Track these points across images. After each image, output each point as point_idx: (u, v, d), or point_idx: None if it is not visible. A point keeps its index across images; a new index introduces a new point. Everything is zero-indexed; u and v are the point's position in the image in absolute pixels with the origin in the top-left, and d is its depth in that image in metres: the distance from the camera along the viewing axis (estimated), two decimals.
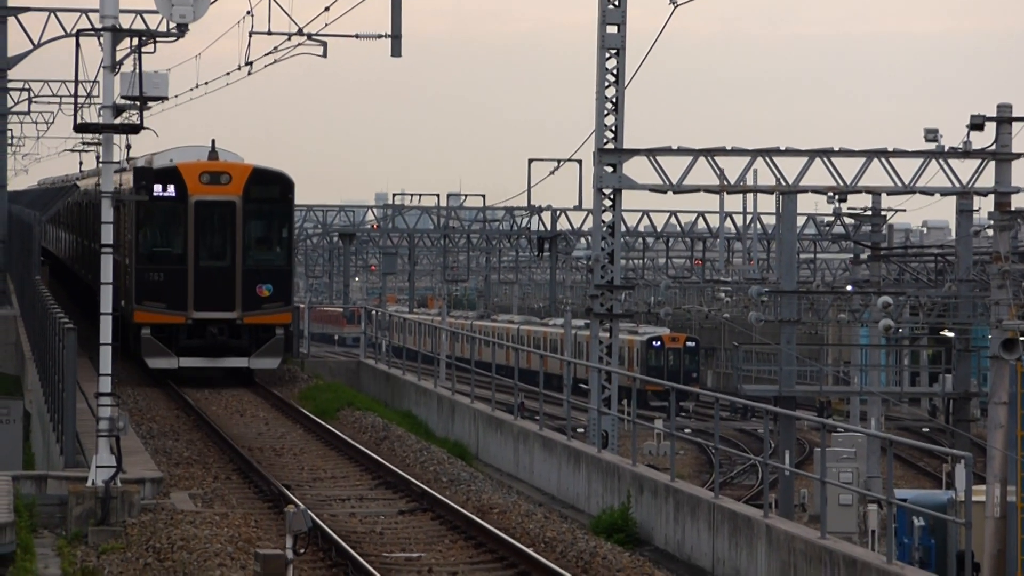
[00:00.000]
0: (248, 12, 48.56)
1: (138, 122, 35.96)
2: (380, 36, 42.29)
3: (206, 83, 71.63)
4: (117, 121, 34.02)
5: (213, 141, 57.90)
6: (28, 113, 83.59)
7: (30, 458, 41.53)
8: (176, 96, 68.54)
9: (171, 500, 33.06)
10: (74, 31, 53.84)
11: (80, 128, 38.42)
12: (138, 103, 35.47)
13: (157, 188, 53.77)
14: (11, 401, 44.64)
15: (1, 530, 28.04)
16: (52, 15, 55.74)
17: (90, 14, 46.31)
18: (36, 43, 54.74)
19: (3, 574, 27.23)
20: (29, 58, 56.27)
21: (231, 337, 56.36)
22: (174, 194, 55.56)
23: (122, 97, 34.35)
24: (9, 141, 73.96)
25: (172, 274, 56.22)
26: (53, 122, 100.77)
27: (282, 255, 59.10)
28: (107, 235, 33.51)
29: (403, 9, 40.35)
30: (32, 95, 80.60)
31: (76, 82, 48.19)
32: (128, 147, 61.68)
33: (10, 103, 69.26)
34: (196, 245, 56.11)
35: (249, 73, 61.47)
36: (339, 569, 27.98)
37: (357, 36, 45.90)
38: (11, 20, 54.70)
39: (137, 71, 35.49)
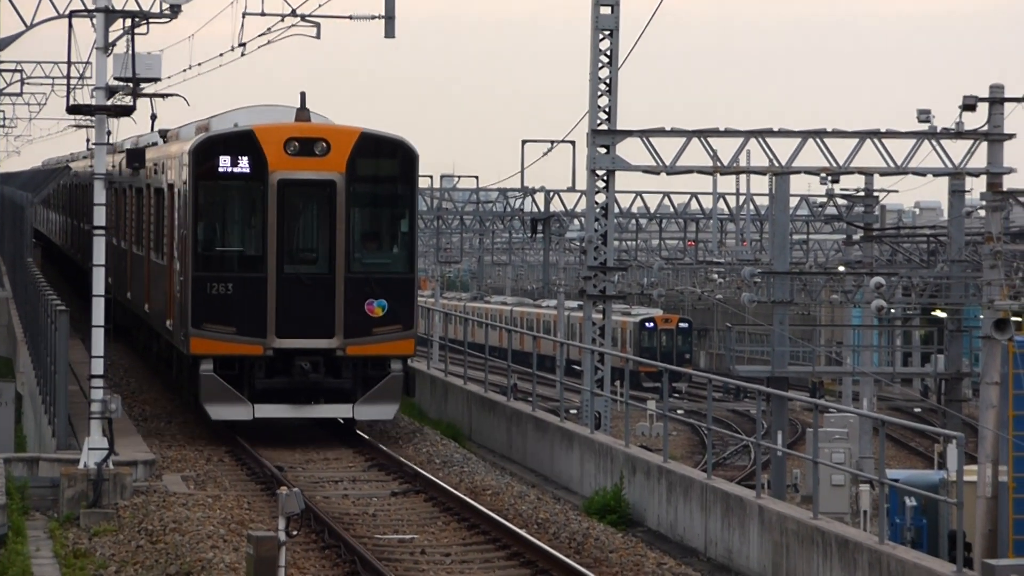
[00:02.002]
0: None
1: (130, 104, 35.97)
2: (374, 17, 41.96)
3: (199, 64, 58.82)
4: (110, 103, 33.96)
5: (303, 94, 38.11)
6: (20, 95, 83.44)
7: (22, 440, 41.46)
8: (169, 77, 58.67)
9: (163, 482, 33.02)
10: (67, 12, 53.57)
11: (73, 109, 38.23)
12: (131, 84, 35.44)
13: (223, 162, 35.90)
14: (2, 383, 44.62)
15: None
16: None
17: None
18: (28, 24, 54.44)
19: None
20: (21, 39, 56.06)
21: (328, 375, 36.80)
22: (248, 170, 36.45)
23: (115, 78, 34.30)
24: (1, 123, 73.70)
25: (244, 285, 36.50)
26: (46, 103, 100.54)
27: (401, 258, 38.37)
28: (99, 217, 33.45)
29: None
30: (24, 76, 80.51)
31: (69, 63, 48.07)
32: (153, 117, 43.45)
33: (2, 84, 69.05)
34: (279, 243, 36.54)
35: (243, 54, 49.64)
36: (332, 551, 27.66)
37: (351, 17, 45.13)
38: (3, 1, 54.49)
39: (130, 52, 35.45)
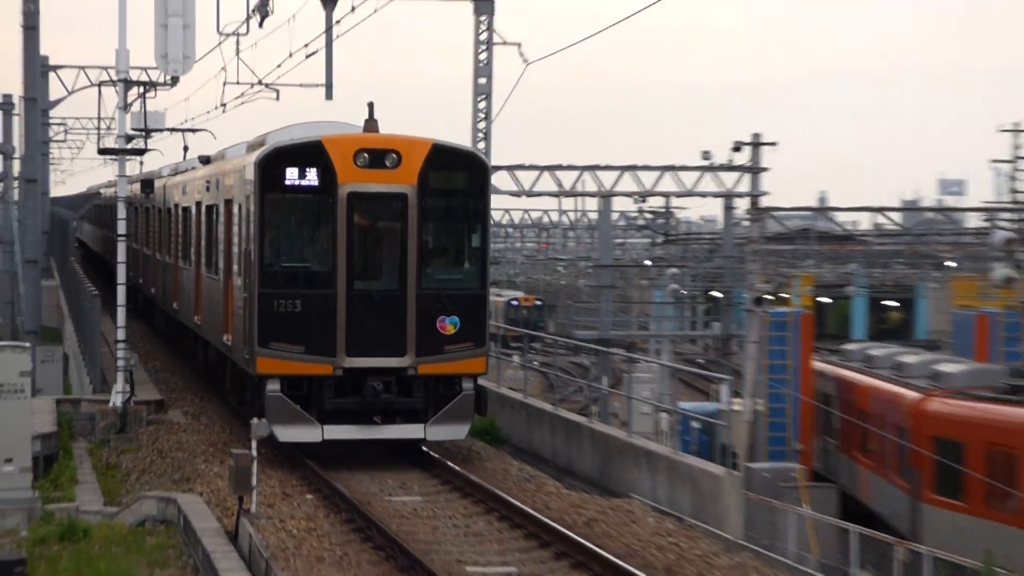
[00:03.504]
0: (222, 68, 45.86)
1: (143, 147, 35.90)
2: (318, 85, 41.54)
3: (192, 119, 57.81)
4: (128, 146, 33.86)
5: (371, 104, 28.31)
6: (64, 141, 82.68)
7: (68, 387, 41.20)
8: (171, 130, 60.01)
9: (169, 416, 32.94)
10: (98, 82, 53.21)
11: (102, 151, 38.33)
12: (143, 133, 35.38)
13: (290, 174, 26.65)
14: (54, 347, 44.31)
15: (48, 438, 27.93)
16: (82, 71, 55.14)
17: (109, 70, 45.88)
18: (70, 91, 53.99)
19: (50, 469, 27.11)
20: (65, 102, 55.61)
21: (400, 394, 27.44)
22: (316, 182, 27.06)
23: (132, 129, 34.18)
24: (51, 161, 73.00)
25: (313, 302, 26.96)
26: (83, 147, 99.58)
27: (473, 273, 28.48)
28: (121, 227, 33.45)
29: (334, 65, 39.95)
30: (67, 128, 79.99)
31: (99, 118, 48.09)
32: (186, 148, 45.28)
33: (51, 134, 68.24)
34: (349, 259, 27.03)
35: (223, 112, 45.34)
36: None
37: (301, 85, 44.82)
38: (52, 75, 54.04)
39: (143, 110, 35.37)
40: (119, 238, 33.45)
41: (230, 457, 22.80)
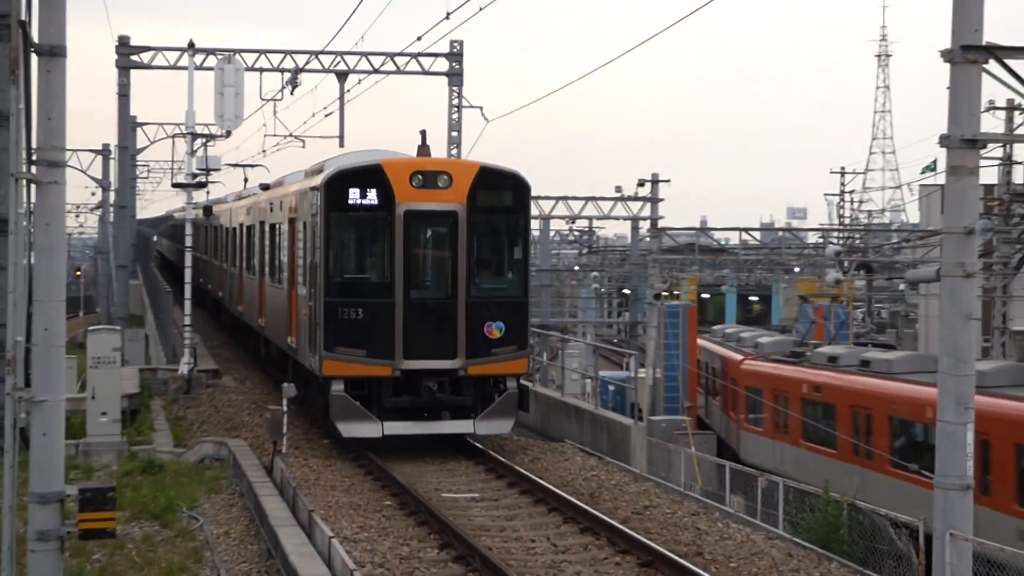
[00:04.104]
0: (263, 124, 45.99)
1: (204, 181, 35.72)
2: (333, 136, 41.29)
3: (242, 162, 58.60)
4: (194, 180, 33.64)
5: (423, 132, 24.92)
6: (147, 177, 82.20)
7: (148, 359, 40.95)
8: (232, 165, 59.02)
9: (222, 381, 32.74)
10: (172, 135, 52.92)
11: (175, 185, 38.04)
12: (205, 172, 35.14)
13: (352, 194, 23.44)
14: (138, 329, 44.06)
15: (133, 397, 27.71)
16: (160, 126, 54.78)
17: (180, 125, 45.76)
18: (151, 141, 53.60)
19: (134, 420, 26.90)
20: (148, 149, 55.22)
21: (452, 393, 23.90)
22: (376, 202, 23.76)
23: (197, 169, 33.94)
24: (137, 192, 72.66)
25: (374, 310, 23.40)
26: (160, 182, 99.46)
27: (516, 283, 24.79)
28: (188, 241, 33.23)
29: (345, 122, 39.89)
30: (149, 168, 79.71)
31: (172, 161, 47.43)
32: (246, 180, 44.23)
33: (137, 172, 67.93)
34: (406, 271, 23.57)
35: (264, 156, 48.66)
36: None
37: (321, 137, 44.55)
38: (139, 129, 53.77)
39: (204, 155, 35.13)
40: (186, 249, 33.21)
41: (267, 411, 22.74)
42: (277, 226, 28.41)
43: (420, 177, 22.87)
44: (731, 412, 38.43)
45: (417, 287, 22.84)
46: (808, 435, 31.73)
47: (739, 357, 38.47)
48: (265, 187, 32.49)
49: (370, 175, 22.73)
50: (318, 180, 23.17)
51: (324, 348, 22.27)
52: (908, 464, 26.36)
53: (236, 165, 44.71)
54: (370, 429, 22.22)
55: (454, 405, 22.94)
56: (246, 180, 43.42)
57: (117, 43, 38.82)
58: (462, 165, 24.29)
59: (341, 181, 22.67)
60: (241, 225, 35.74)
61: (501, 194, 23.56)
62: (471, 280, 22.90)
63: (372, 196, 22.71)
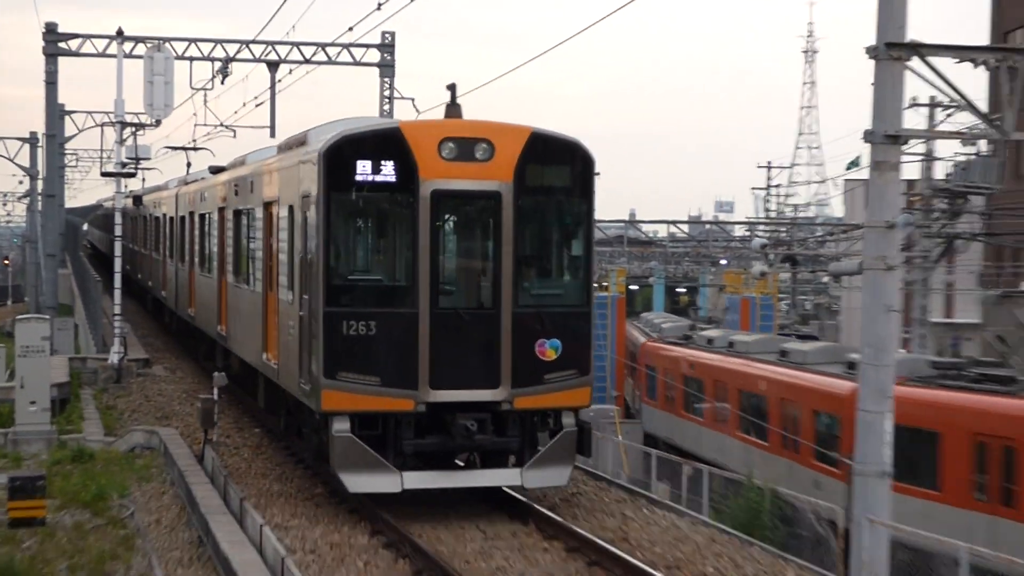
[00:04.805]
0: (193, 113, 45.59)
1: (134, 170, 35.44)
2: (264, 127, 40.72)
3: (184, 146, 54.81)
4: (124, 170, 33.35)
5: (453, 87, 17.19)
6: (76, 166, 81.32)
7: (78, 348, 40.47)
8: (155, 160, 57.51)
9: (153, 370, 32.49)
10: (101, 123, 52.43)
11: (104, 174, 37.78)
12: (135, 160, 34.86)
13: (361, 167, 15.56)
14: (67, 319, 43.56)
15: (62, 386, 27.36)
16: (89, 115, 54.22)
17: (109, 114, 45.30)
18: (80, 129, 53.05)
19: (64, 409, 26.64)
20: (76, 138, 54.63)
21: (495, 434, 16.16)
22: (394, 178, 15.65)
23: (126, 158, 33.63)
24: (66, 181, 71.92)
25: (390, 323, 15.73)
26: (89, 171, 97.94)
27: (576, 288, 16.74)
28: (118, 231, 32.89)
29: (276, 112, 39.49)
30: (78, 157, 78.90)
31: (101, 150, 46.91)
32: (189, 164, 42.12)
33: (66, 161, 67.14)
34: (433, 271, 15.90)
35: (195, 149, 43.23)
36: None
37: (252, 127, 44.01)
38: (67, 118, 53.12)
39: (134, 144, 34.84)
40: (116, 239, 32.91)
41: (198, 401, 22.63)
42: (245, 213, 22.70)
43: (452, 146, 16.35)
44: (636, 388, 42.64)
45: (448, 293, 16.63)
46: (687, 407, 35.97)
47: (644, 340, 42.43)
48: (217, 169, 28.15)
49: (386, 141, 16.29)
50: (314, 149, 16.80)
51: (324, 375, 16.14)
52: (752, 427, 30.62)
53: (179, 148, 44.22)
54: (385, 482, 16.18)
55: (494, 449, 16.95)
56: (189, 165, 42.02)
57: (44, 30, 38.33)
58: (508, 130, 16.75)
59: (348, 148, 16.23)
60: (192, 214, 30.68)
61: (559, 170, 17.01)
62: (518, 284, 16.64)
63: (388, 170, 16.16)
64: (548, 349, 16.60)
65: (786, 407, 28.55)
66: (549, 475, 16.82)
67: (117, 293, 31.86)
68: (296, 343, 17.48)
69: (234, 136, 42.32)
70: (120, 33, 33.49)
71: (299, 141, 19.46)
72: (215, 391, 21.66)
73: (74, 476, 20.32)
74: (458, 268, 17.07)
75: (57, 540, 16.61)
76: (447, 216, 16.81)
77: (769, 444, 29.15)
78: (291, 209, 18.16)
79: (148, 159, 36.08)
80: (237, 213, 23.61)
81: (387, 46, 39.82)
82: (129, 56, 34.74)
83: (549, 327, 16.63)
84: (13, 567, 15.00)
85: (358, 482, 16.20)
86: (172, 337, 38.57)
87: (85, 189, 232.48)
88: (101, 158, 63.43)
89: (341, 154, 16.26)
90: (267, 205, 20.37)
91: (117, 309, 31.63)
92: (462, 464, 17.98)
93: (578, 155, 17.02)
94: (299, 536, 15.90)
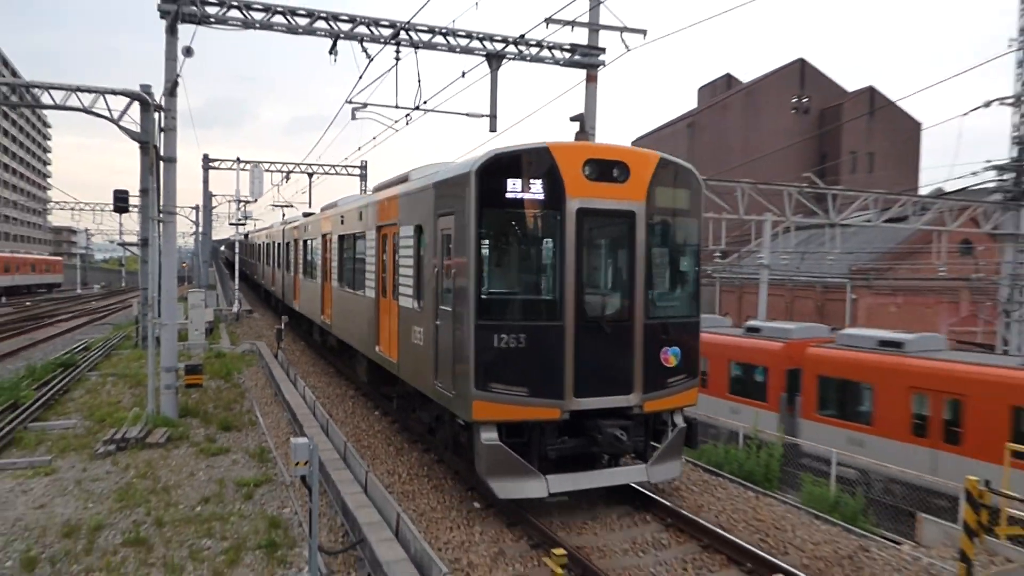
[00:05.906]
0: (275, 186, 40.22)
1: (243, 221, 33.93)
2: (355, 165, 34.86)
3: (274, 206, 36.13)
4: (237, 222, 33.03)
5: (582, 117, 8.40)
6: (216, 219, 76.16)
7: (218, 304, 39.35)
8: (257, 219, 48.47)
9: (254, 315, 32.31)
10: (229, 200, 51.00)
11: (230, 224, 35.83)
12: (244, 217, 34.47)
13: (512, 185, 6.37)
14: (213, 291, 42.35)
15: (211, 322, 26.94)
16: (223, 197, 51.82)
17: (231, 196, 43.79)
18: (219, 203, 51.03)
19: (211, 333, 26.56)
20: (217, 208, 52.22)
21: (631, 436, 7.28)
22: (542, 196, 6.68)
23: (241, 216, 33.26)
24: (212, 226, 67.85)
25: (539, 336, 6.79)
26: (224, 220, 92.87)
27: (688, 299, 7.89)
28: (237, 251, 32.57)
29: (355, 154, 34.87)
30: (217, 216, 74.09)
31: (229, 213, 44.55)
32: (284, 215, 35.33)
33: (213, 217, 64.74)
34: (578, 284, 6.99)
35: (285, 206, 34.28)
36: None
37: (335, 170, 39.61)
38: (214, 199, 50.54)
39: (244, 208, 34.18)
40: (235, 256, 32.89)
41: (275, 328, 22.92)
42: (351, 236, 14.78)
43: (594, 166, 9.99)
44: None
45: (591, 306, 10.14)
46: None
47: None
48: (308, 214, 21.48)
49: (536, 161, 9.86)
50: (466, 169, 9.95)
51: (475, 385, 9.65)
52: None
53: (277, 206, 36.55)
54: (532, 487, 9.70)
55: (628, 449, 10.56)
56: (284, 215, 34.80)
57: (203, 158, 37.98)
58: (640, 155, 10.44)
59: (499, 168, 9.71)
60: (296, 240, 21.57)
61: (679, 192, 10.65)
62: (648, 296, 10.37)
63: (537, 188, 9.70)
64: (670, 356, 10.45)
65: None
66: (667, 469, 10.54)
67: (237, 280, 31.90)
68: (427, 348, 10.70)
69: (310, 179, 36.65)
70: (239, 159, 33.61)
71: (402, 179, 13.01)
72: (282, 324, 22.59)
73: (216, 364, 21.32)
74: (600, 282, 10.48)
75: (208, 393, 17.97)
76: (591, 233, 10.19)
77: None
78: (418, 228, 11.21)
79: (249, 217, 35.50)
80: (341, 238, 16.05)
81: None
82: (242, 170, 34.88)
83: (671, 336, 10.48)
84: (187, 406, 16.20)
85: (507, 488, 9.64)
86: (268, 307, 36.46)
87: (223, 229, 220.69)
88: (228, 214, 61.44)
89: (493, 172, 9.70)
90: (380, 228, 13.00)
91: (236, 287, 31.77)
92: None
93: (694, 178, 10.83)
94: (324, 392, 17.03)
